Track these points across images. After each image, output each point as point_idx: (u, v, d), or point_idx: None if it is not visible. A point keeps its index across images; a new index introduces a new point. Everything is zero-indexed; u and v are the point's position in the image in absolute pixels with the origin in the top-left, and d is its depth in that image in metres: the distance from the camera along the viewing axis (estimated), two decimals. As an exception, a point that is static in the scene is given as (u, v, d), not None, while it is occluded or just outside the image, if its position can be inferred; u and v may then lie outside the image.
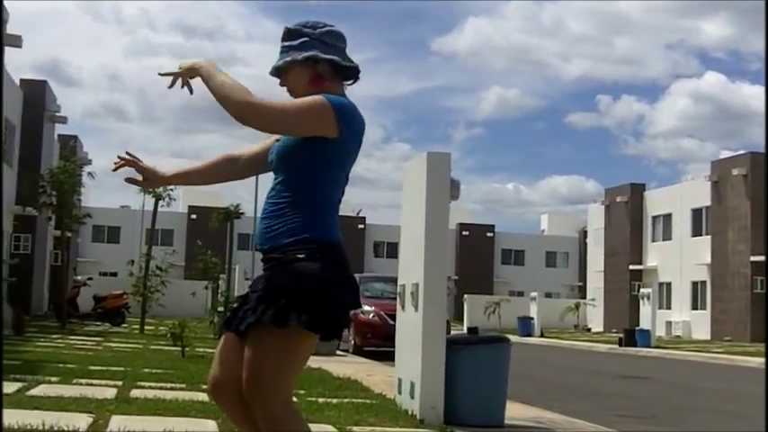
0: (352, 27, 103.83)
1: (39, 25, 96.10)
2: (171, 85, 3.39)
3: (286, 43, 3.39)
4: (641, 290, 35.44)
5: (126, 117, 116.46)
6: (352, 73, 3.42)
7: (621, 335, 32.76)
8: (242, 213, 28.22)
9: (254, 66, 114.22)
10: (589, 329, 51.35)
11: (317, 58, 3.32)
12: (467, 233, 72.45)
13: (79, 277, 32.76)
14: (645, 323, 31.94)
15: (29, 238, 33.34)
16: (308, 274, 3.12)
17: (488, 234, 74.44)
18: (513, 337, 34.41)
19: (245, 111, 3.13)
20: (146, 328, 23.69)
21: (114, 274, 55.33)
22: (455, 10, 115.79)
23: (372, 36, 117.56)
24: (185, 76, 3.36)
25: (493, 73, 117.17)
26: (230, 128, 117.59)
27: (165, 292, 24.42)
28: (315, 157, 3.23)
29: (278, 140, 3.38)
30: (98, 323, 27.11)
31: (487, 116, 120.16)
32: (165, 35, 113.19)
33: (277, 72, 3.41)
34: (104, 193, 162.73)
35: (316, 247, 3.18)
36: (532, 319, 39.95)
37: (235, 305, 3.37)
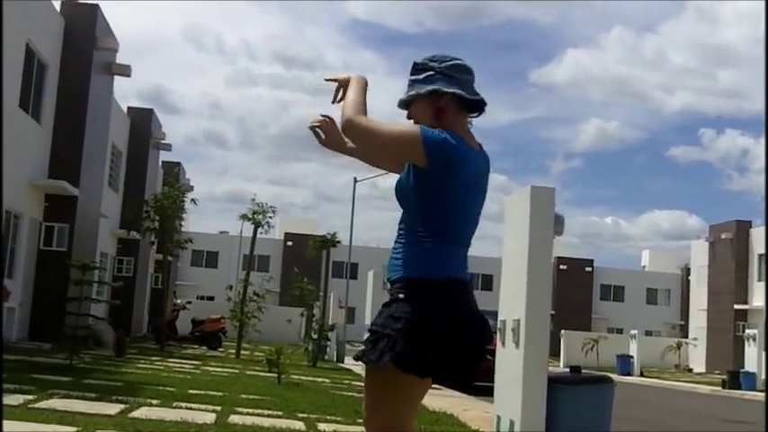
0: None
1: (145, 54, 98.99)
2: (335, 101, 3.49)
3: (412, 77, 3.43)
4: (746, 330, 34.36)
5: (226, 144, 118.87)
6: (478, 106, 3.42)
7: (725, 377, 31.77)
8: (338, 242, 28.34)
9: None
10: (691, 370, 49.93)
11: (440, 92, 3.34)
12: (565, 267, 71.44)
13: (179, 301, 33.39)
14: (750, 365, 30.92)
15: (131, 262, 34.17)
16: (399, 317, 3.14)
17: (587, 269, 73.26)
18: (611, 376, 33.59)
19: (348, 126, 3.26)
20: (242, 352, 23.96)
21: (211, 298, 56.37)
22: (554, 41, 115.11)
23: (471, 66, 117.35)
24: (343, 85, 3.46)
25: (592, 104, 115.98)
26: (327, 157, 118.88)
27: (261, 318, 24.67)
28: (416, 190, 3.28)
29: None
30: (195, 346, 27.54)
31: (586, 148, 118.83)
32: (266, 65, 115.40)
33: (404, 105, 3.45)
34: (204, 218, 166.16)
35: (414, 287, 3.20)
36: (632, 357, 38.99)
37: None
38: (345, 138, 3.36)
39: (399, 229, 3.36)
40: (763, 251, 49.78)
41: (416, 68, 3.43)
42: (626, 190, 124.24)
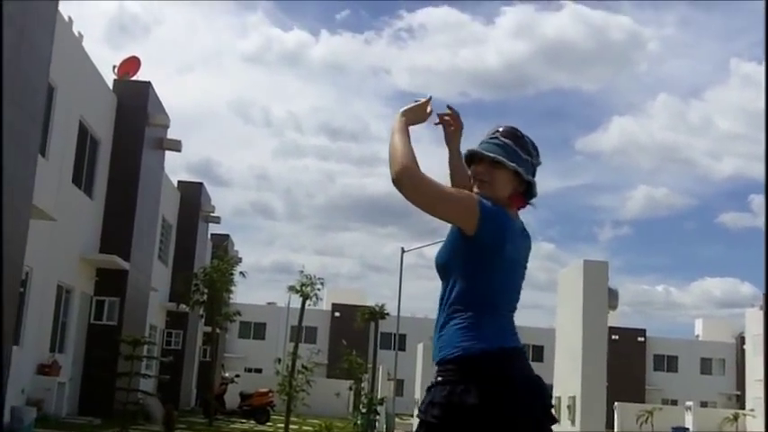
0: (497, 124, 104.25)
1: (194, 128, 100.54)
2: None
3: (515, 146, 3.34)
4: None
5: (273, 215, 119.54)
6: (530, 200, 3.44)
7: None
8: (386, 314, 28.24)
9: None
10: (748, 442, 48.61)
11: (527, 180, 3.35)
12: (617, 337, 70.16)
13: (227, 374, 33.36)
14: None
15: (180, 335, 34.26)
16: (444, 403, 3.07)
17: (639, 339, 72.06)
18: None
19: (404, 175, 3.14)
20: (290, 427, 23.75)
21: (259, 371, 56.20)
22: (599, 109, 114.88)
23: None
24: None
25: (640, 171, 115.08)
26: (372, 226, 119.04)
27: (310, 391, 24.49)
28: (462, 260, 3.23)
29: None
30: (243, 420, 27.39)
31: (635, 215, 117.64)
32: (312, 137, 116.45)
33: (478, 157, 3.36)
34: (251, 288, 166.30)
35: (458, 368, 3.12)
36: (687, 429, 38.13)
37: None
38: (396, 185, 3.15)
39: (441, 304, 3.28)
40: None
41: (518, 140, 3.36)
42: (676, 257, 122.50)
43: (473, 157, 3.36)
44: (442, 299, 3.28)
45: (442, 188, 3.19)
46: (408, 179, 3.13)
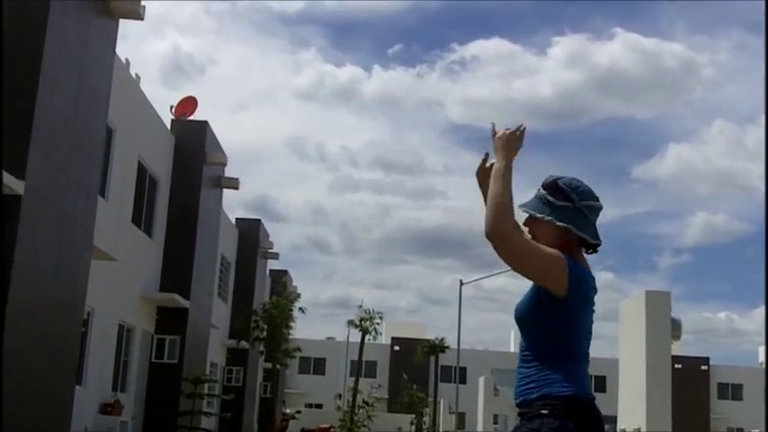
0: (553, 155, 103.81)
1: (250, 165, 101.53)
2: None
3: (549, 196, 3.36)
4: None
5: (329, 250, 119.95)
6: (594, 247, 3.46)
7: None
8: (447, 347, 28.03)
9: (453, 198, 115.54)
10: (820, 472, 47.27)
11: (571, 232, 3.34)
12: (680, 366, 69.07)
13: (288, 410, 33.36)
14: None
15: (240, 371, 34.34)
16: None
17: (703, 367, 70.80)
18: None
19: (498, 232, 3.14)
20: (352, 462, 23.65)
21: (320, 406, 56.16)
22: (655, 136, 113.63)
23: (572, 163, 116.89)
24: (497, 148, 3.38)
25: (698, 198, 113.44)
26: (429, 259, 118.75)
27: (371, 426, 24.40)
28: (546, 316, 3.26)
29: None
30: (306, 456, 27.32)
31: (694, 242, 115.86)
32: (366, 171, 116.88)
33: (527, 213, 3.41)
34: (310, 323, 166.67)
35: (559, 404, 3.14)
36: (755, 459, 37.12)
37: None
38: (488, 237, 3.15)
39: (524, 354, 3.32)
40: None
41: (555, 189, 3.38)
42: (738, 284, 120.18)
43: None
44: (523, 350, 3.33)
45: (537, 255, 3.21)
46: (501, 236, 3.15)
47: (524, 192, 3.42)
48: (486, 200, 3.47)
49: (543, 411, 3.14)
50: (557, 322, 3.25)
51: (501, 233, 3.14)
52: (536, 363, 3.26)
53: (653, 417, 7.28)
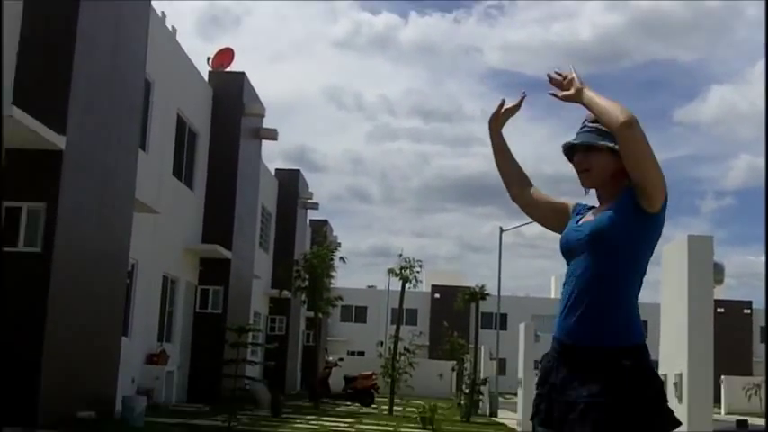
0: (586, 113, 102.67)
1: (288, 116, 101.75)
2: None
3: (596, 125, 3.22)
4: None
5: (369, 199, 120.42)
6: None
7: None
8: (487, 294, 28.05)
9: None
10: None
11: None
12: (722, 310, 68.71)
13: (330, 358, 33.76)
14: None
15: (283, 320, 34.76)
16: (649, 386, 2.95)
17: (746, 311, 70.44)
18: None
19: (630, 126, 2.99)
20: (394, 408, 23.92)
21: (362, 353, 56.67)
22: (697, 78, 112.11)
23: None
24: (569, 99, 3.20)
25: (741, 141, 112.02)
26: (468, 207, 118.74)
27: (413, 373, 24.62)
28: (636, 236, 3.10)
29: (568, 215, 3.33)
30: (348, 403, 27.66)
31: (738, 186, 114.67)
32: (405, 120, 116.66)
33: (576, 149, 3.27)
34: (351, 272, 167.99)
35: (644, 355, 3.01)
36: (798, 401, 36.96)
37: (539, 400, 3.14)
38: (620, 136, 3.00)
39: (595, 281, 3.06)
40: None
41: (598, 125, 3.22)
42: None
43: (570, 150, 3.30)
44: (583, 276, 3.08)
45: (653, 156, 3.09)
46: (632, 132, 2.99)
47: (562, 136, 3.39)
48: (495, 150, 3.52)
49: (627, 362, 2.96)
50: (644, 244, 3.12)
51: (634, 122, 2.99)
52: (609, 300, 3.04)
53: (695, 362, 7.28)
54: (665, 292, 8.57)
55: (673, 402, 8.00)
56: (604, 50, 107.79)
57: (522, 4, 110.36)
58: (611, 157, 3.17)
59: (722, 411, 40.69)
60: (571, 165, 3.30)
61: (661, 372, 8.49)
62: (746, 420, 8.57)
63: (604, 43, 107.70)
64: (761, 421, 29.80)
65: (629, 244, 3.07)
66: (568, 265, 3.16)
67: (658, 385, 2.98)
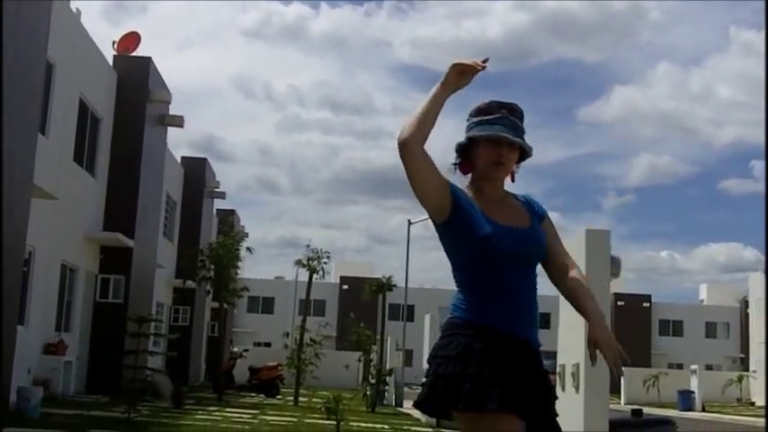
0: (501, 95, 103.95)
1: (195, 104, 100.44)
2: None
3: (516, 120, 3.36)
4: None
5: (278, 190, 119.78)
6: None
7: (789, 410, 30.95)
8: (394, 286, 28.18)
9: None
10: (753, 403, 48.70)
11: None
12: (622, 303, 70.53)
13: (235, 349, 33.50)
14: (816, 398, 29.99)
15: (187, 311, 34.32)
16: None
17: (645, 304, 72.35)
18: (672, 412, 32.56)
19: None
20: (300, 399, 23.84)
21: (268, 345, 56.41)
22: (601, 78, 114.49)
23: (520, 104, 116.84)
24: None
25: (642, 140, 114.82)
26: (378, 199, 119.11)
27: (319, 364, 24.58)
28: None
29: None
30: (253, 394, 27.49)
31: (639, 183, 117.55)
32: (315, 111, 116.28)
33: (501, 142, 3.30)
34: (259, 263, 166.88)
35: None
36: (693, 392, 38.15)
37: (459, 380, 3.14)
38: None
39: (533, 283, 3.37)
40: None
41: (521, 117, 3.39)
42: (680, 223, 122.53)
43: (502, 140, 3.28)
44: (527, 276, 3.32)
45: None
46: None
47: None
48: (441, 102, 3.25)
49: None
50: None
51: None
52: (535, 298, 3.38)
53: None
54: (565, 283, 8.72)
55: (570, 392, 8.14)
56: (513, 48, 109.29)
57: (432, 2, 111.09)
58: (516, 155, 3.32)
59: (622, 402, 41.72)
60: (476, 153, 3.33)
61: (559, 362, 8.64)
62: (641, 410, 8.74)
63: (513, 41, 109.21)
64: (657, 411, 30.67)
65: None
66: (503, 265, 3.22)
67: None
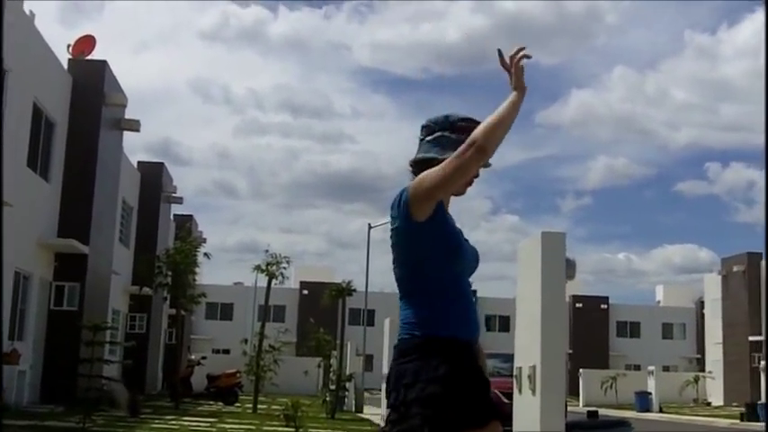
0: (459, 99, 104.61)
1: (152, 107, 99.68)
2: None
3: (453, 136, 3.44)
4: (762, 362, 33.89)
5: (236, 194, 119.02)
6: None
7: (743, 409, 31.47)
8: (354, 290, 28.11)
9: (362, 142, 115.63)
10: (709, 404, 49.35)
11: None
12: (580, 305, 71.07)
13: (193, 356, 33.21)
14: None
15: (144, 318, 34.00)
16: None
17: (602, 306, 72.97)
18: (630, 413, 32.80)
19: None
20: (259, 407, 23.67)
21: (227, 351, 55.99)
22: (559, 82, 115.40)
23: (478, 106, 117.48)
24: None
25: (599, 142, 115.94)
26: (338, 203, 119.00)
27: (278, 371, 24.41)
28: None
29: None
30: (211, 402, 27.24)
31: (596, 185, 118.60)
32: (273, 114, 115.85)
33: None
34: (217, 268, 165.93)
35: None
36: (650, 393, 38.51)
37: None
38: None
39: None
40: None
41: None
42: (637, 225, 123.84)
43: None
44: (468, 283, 3.45)
45: None
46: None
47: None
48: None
49: None
50: None
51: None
52: None
53: (548, 354, 7.43)
54: (521, 286, 8.71)
55: (526, 394, 8.14)
56: (470, 52, 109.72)
57: (391, 4, 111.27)
58: None
59: (580, 403, 41.99)
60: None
61: (516, 364, 8.63)
62: (597, 411, 8.80)
63: (470, 45, 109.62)
64: (615, 412, 30.88)
65: None
66: (464, 273, 3.37)
67: None
